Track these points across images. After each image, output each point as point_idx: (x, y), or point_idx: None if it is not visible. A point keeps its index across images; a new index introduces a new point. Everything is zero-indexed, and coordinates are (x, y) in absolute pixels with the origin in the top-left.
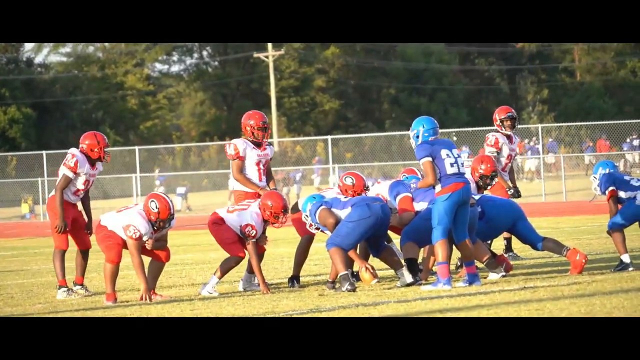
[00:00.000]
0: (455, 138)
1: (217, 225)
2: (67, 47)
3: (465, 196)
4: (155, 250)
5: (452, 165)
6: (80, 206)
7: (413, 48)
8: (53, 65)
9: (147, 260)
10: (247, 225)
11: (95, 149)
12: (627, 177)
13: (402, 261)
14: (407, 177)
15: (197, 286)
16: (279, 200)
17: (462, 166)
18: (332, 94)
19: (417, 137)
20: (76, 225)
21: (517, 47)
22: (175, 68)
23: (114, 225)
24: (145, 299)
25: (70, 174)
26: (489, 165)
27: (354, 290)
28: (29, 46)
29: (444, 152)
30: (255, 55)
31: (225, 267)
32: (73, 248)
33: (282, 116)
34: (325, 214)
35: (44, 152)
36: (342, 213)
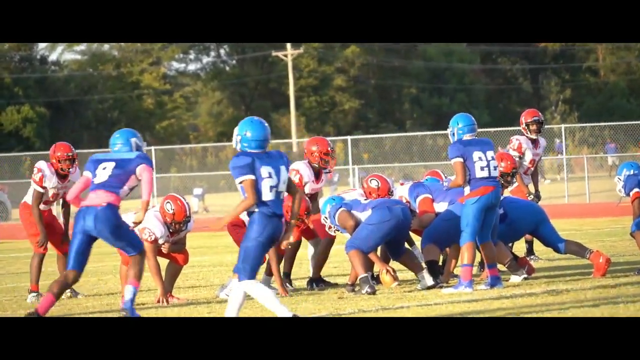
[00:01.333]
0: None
1: (236, 227)
2: (82, 45)
3: (495, 200)
4: (173, 253)
5: (482, 168)
6: (54, 211)
7: (434, 47)
8: (67, 64)
9: (164, 262)
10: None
11: (53, 160)
12: None
13: (423, 264)
14: (428, 179)
15: (214, 288)
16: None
17: (495, 170)
18: (352, 94)
19: (453, 135)
20: (51, 230)
21: (540, 47)
22: (192, 67)
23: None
24: (162, 302)
25: (39, 188)
26: (509, 163)
27: (373, 293)
28: (42, 44)
29: (476, 155)
30: (274, 54)
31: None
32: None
33: (301, 116)
34: (344, 216)
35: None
36: (362, 215)
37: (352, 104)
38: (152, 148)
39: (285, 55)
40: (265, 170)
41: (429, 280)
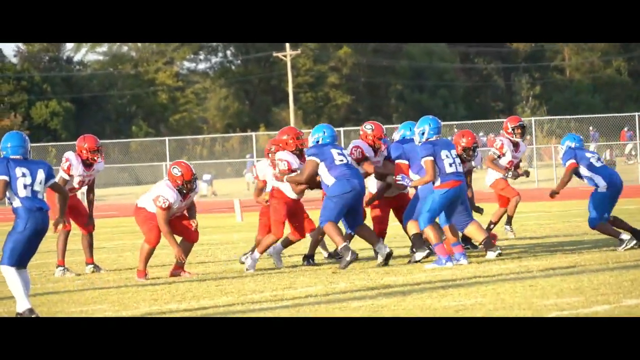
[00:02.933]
0: (456, 130)
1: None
2: (104, 47)
3: (460, 192)
4: (187, 221)
5: (450, 165)
6: (79, 195)
7: (417, 48)
8: (90, 63)
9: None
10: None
11: (83, 152)
12: (588, 154)
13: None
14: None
15: (221, 264)
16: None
17: (460, 166)
18: (344, 90)
19: (423, 134)
20: (75, 211)
21: (512, 47)
22: (201, 66)
23: (151, 206)
24: (180, 259)
25: (65, 176)
26: (469, 138)
27: (356, 258)
28: (69, 46)
29: (443, 153)
30: (275, 54)
31: (265, 244)
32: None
33: (299, 110)
34: (309, 165)
35: None
36: (325, 177)
37: (344, 99)
38: (167, 139)
39: (285, 56)
40: None
41: (385, 249)
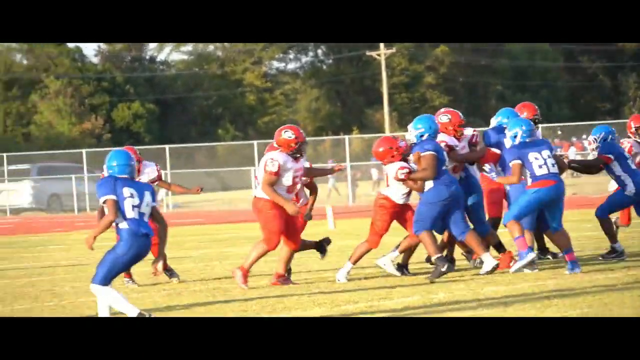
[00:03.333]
0: (560, 132)
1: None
2: (188, 46)
3: (556, 193)
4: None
5: (540, 166)
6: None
7: (519, 46)
8: (175, 63)
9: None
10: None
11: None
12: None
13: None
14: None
15: (313, 273)
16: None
17: (553, 166)
18: (442, 91)
19: (515, 137)
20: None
21: (618, 46)
22: (291, 66)
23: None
24: (293, 213)
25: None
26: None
27: (451, 270)
28: (151, 45)
29: (532, 155)
30: (368, 53)
31: (359, 253)
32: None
33: (394, 112)
34: (431, 159)
35: (166, 146)
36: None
37: (442, 100)
38: (255, 142)
39: (379, 55)
40: None
41: (490, 262)
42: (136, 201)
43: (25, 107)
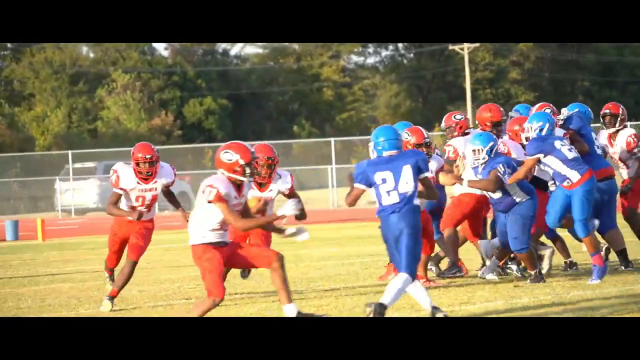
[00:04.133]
0: None
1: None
2: None
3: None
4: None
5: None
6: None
7: None
8: (249, 57)
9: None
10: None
11: (132, 162)
12: None
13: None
14: None
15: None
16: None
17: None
18: (527, 86)
19: (541, 130)
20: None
21: None
22: (370, 60)
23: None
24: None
25: (118, 191)
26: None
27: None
28: None
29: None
30: (450, 47)
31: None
32: None
33: (477, 108)
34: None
35: None
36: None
37: (527, 96)
38: (332, 139)
39: (462, 49)
40: None
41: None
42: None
43: (92, 103)
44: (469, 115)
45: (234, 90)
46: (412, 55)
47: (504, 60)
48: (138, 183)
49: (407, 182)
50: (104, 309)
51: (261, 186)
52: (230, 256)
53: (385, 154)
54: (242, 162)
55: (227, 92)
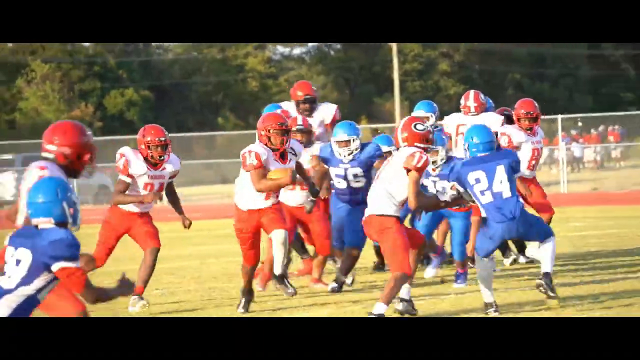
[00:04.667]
0: (580, 124)
1: None
2: None
3: None
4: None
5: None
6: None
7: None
8: (172, 47)
9: None
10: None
11: (143, 146)
12: None
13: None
14: None
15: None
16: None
17: None
18: (457, 79)
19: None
20: (141, 234)
21: None
22: (297, 51)
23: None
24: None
25: (125, 178)
26: None
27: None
28: None
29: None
30: None
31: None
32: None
33: (405, 100)
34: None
35: None
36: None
37: (457, 88)
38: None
39: None
40: None
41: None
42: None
43: (10, 93)
44: (396, 107)
45: (156, 81)
46: (339, 46)
47: (434, 51)
48: (148, 169)
49: (501, 181)
50: (137, 309)
51: None
52: None
53: (480, 155)
54: None
55: (149, 83)
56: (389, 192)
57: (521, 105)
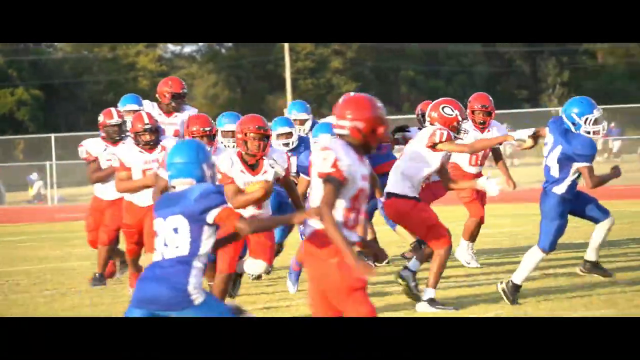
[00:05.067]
0: None
1: None
2: None
3: None
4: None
5: None
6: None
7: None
8: (62, 46)
9: None
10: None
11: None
12: None
13: None
14: None
15: None
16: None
17: None
18: (349, 76)
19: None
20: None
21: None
22: (187, 49)
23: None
24: None
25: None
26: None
27: None
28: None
29: None
30: None
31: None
32: None
33: (298, 98)
34: None
35: (52, 135)
36: None
37: (349, 87)
38: None
39: None
40: None
41: None
42: None
43: None
44: (288, 104)
45: (46, 80)
46: (230, 44)
47: (326, 49)
48: (140, 152)
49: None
50: None
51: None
52: None
53: None
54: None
55: (39, 82)
56: (406, 173)
57: (476, 98)
